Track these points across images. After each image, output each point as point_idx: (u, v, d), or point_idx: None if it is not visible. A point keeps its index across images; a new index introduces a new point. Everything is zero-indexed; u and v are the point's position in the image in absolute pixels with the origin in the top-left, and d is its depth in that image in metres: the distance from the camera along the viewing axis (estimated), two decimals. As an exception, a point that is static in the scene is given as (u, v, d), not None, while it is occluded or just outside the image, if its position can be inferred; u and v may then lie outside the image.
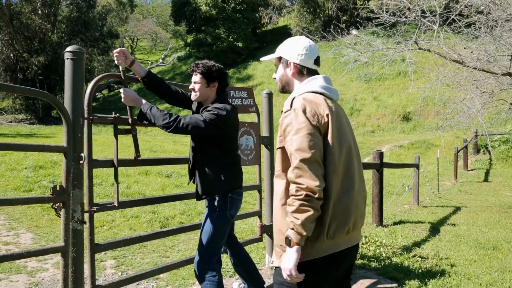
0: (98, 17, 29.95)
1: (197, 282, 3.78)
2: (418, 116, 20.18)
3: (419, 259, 4.46)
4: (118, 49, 2.81)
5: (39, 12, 26.82)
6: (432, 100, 16.99)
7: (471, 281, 3.83)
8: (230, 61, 31.85)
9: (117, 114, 2.87)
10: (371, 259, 4.41)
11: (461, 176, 12.36)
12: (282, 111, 1.85)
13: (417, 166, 8.24)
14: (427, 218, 6.81)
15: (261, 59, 2.16)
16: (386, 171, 10.08)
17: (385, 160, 7.21)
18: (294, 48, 1.95)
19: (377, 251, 4.64)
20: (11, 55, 26.51)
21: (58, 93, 24.18)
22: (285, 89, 2.00)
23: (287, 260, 1.69)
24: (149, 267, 4.09)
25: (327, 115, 1.76)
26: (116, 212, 6.34)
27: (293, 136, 1.72)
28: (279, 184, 1.83)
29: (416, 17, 6.67)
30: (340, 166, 1.76)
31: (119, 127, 2.89)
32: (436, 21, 6.64)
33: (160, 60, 39.55)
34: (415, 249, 4.92)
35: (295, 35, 29.79)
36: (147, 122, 2.76)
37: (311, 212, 1.65)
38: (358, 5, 27.33)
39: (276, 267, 1.84)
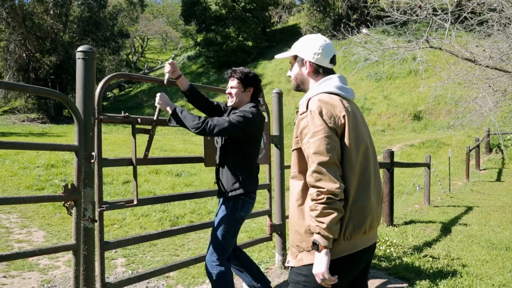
0: (109, 17, 30.20)
1: (207, 281, 3.79)
2: (429, 115, 19.99)
3: (430, 259, 4.42)
4: (170, 61, 3.07)
5: (51, 12, 27.12)
6: (443, 99, 16.83)
7: (483, 281, 3.79)
8: (239, 60, 31.89)
9: (127, 114, 2.89)
10: (382, 258, 4.38)
11: (473, 175, 12.21)
12: (297, 112, 1.84)
13: (428, 165, 8.16)
14: (438, 218, 6.75)
15: (276, 56, 2.15)
16: (396, 171, 10.02)
17: (396, 159, 7.17)
18: (310, 47, 1.92)
19: (388, 250, 4.61)
20: (24, 55, 26.86)
21: (70, 92, 24.45)
22: (300, 87, 1.98)
23: (319, 265, 1.69)
24: (159, 265, 4.11)
25: (344, 116, 1.75)
26: (126, 211, 6.39)
27: (310, 139, 1.72)
28: (295, 185, 1.84)
29: (428, 15, 6.60)
30: (357, 167, 1.76)
31: (137, 126, 2.94)
32: (448, 19, 6.57)
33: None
34: (426, 249, 4.87)
35: (305, 34, 29.64)
36: (177, 124, 2.83)
37: (335, 214, 1.66)
38: (368, 3, 27.14)
39: (291, 267, 1.85)
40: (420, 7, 6.65)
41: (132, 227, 5.88)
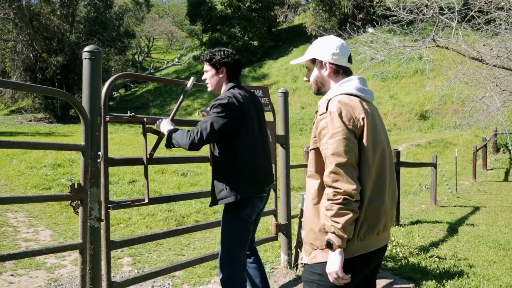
0: (115, 17, 30.31)
1: (212, 280, 3.80)
2: (436, 114, 19.88)
3: (437, 259, 4.39)
4: (201, 110, 3.01)
5: (58, 13, 27.29)
6: (450, 98, 16.72)
7: (490, 282, 3.76)
8: (245, 60, 31.87)
9: (133, 114, 2.89)
10: (388, 259, 4.37)
11: (480, 175, 12.13)
12: (316, 112, 1.86)
13: (434, 165, 8.11)
14: (444, 218, 6.71)
15: (291, 62, 2.14)
16: (403, 170, 9.98)
17: (402, 159, 7.13)
18: (327, 48, 1.93)
19: (394, 251, 4.59)
20: (31, 55, 27.06)
21: (76, 92, 24.59)
22: (321, 90, 1.98)
23: (332, 264, 1.72)
24: (164, 264, 4.12)
25: (363, 118, 1.77)
26: (132, 210, 6.42)
27: (329, 140, 1.74)
28: (312, 184, 1.86)
29: (434, 14, 6.57)
30: (373, 169, 1.78)
31: (147, 126, 2.91)
32: (455, 18, 6.53)
33: (176, 60, 39.82)
34: (433, 249, 4.85)
35: (310, 34, 29.74)
36: (176, 146, 2.67)
37: (350, 215, 1.69)
38: (374, 2, 27.02)
39: (305, 264, 1.88)
40: (426, 6, 6.62)
41: (138, 226, 5.90)
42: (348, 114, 1.76)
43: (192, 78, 2.99)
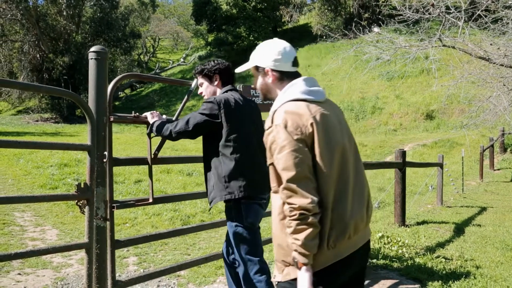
0: (120, 17, 30.43)
1: (218, 279, 3.80)
2: (442, 114, 19.77)
3: (443, 260, 4.36)
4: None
5: (64, 13, 27.45)
6: (456, 98, 16.63)
7: (497, 283, 3.73)
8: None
9: (137, 114, 2.91)
10: (394, 259, 4.35)
11: (487, 175, 12.04)
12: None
13: (441, 165, 8.07)
14: (451, 219, 6.67)
15: (236, 70, 2.07)
16: (409, 170, 9.92)
17: (408, 159, 7.09)
18: (268, 54, 1.84)
19: (400, 251, 4.57)
20: (38, 55, 27.24)
21: (82, 92, 24.70)
22: (268, 97, 1.92)
23: (301, 283, 1.65)
24: (170, 264, 4.13)
25: (311, 124, 1.68)
26: (138, 210, 6.44)
27: (278, 155, 1.67)
28: (276, 199, 1.78)
29: (440, 14, 6.53)
30: (332, 173, 1.70)
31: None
32: (461, 17, 6.49)
33: (181, 60, 39.91)
34: (439, 249, 4.82)
35: (316, 34, 29.67)
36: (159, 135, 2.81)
37: (310, 230, 1.62)
38: (380, 2, 26.92)
39: (278, 282, 1.80)
40: (432, 5, 6.58)
41: (143, 226, 5.92)
42: (294, 124, 1.67)
43: (196, 78, 3.01)
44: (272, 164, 1.75)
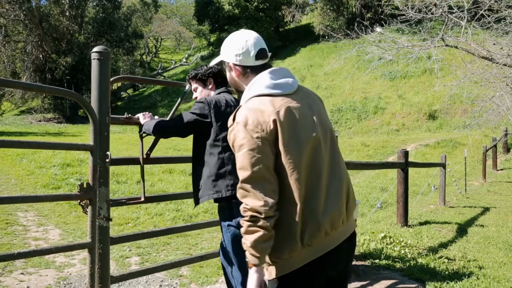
0: (123, 17, 30.51)
1: (220, 279, 3.81)
2: (445, 114, 19.72)
3: (446, 260, 4.35)
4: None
5: (67, 14, 27.55)
6: (459, 98, 16.60)
7: (500, 284, 3.72)
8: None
9: (129, 115, 2.95)
10: (396, 259, 4.34)
11: (489, 176, 12.00)
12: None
13: (443, 165, 8.05)
14: (454, 219, 6.65)
15: (210, 63, 2.11)
16: (411, 171, 9.89)
17: (410, 159, 7.07)
18: (231, 48, 1.78)
19: (402, 251, 4.56)
20: (40, 56, 27.34)
21: (85, 92, 24.77)
22: (239, 91, 1.86)
23: (250, 282, 1.63)
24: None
25: (274, 120, 1.61)
26: (140, 210, 6.45)
27: (237, 153, 1.63)
28: None
29: (443, 13, 6.51)
30: (301, 168, 1.63)
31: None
32: (464, 17, 6.47)
33: (184, 60, 39.96)
34: (442, 250, 4.81)
35: (318, 34, 29.65)
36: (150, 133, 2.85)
37: (260, 233, 1.57)
38: (382, 1, 26.90)
39: (268, 281, 1.76)
40: (435, 5, 6.57)
41: (146, 226, 5.93)
42: (255, 121, 1.61)
43: (190, 84, 3.06)
44: None
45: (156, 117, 2.96)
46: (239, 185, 1.62)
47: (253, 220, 1.57)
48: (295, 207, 1.62)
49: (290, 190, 1.62)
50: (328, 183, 1.70)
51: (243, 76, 1.79)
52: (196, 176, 2.77)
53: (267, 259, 1.68)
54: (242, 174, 1.60)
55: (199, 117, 2.67)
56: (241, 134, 1.61)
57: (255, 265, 1.62)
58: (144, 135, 2.92)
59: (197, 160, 2.78)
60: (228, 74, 1.86)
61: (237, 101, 2.83)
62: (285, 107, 1.65)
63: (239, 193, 1.62)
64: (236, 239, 2.65)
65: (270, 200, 1.58)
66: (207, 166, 2.68)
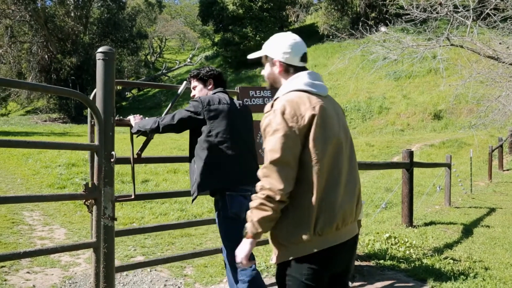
0: (127, 18, 30.62)
1: (224, 279, 3.81)
2: (450, 114, 19.62)
3: (451, 261, 4.33)
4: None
5: (72, 14, 27.69)
6: (464, 98, 16.50)
7: (507, 285, 3.70)
8: (257, 60, 31.88)
9: (120, 117, 3.03)
10: (401, 260, 4.32)
11: (495, 176, 11.93)
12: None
13: (448, 165, 8.01)
14: (459, 219, 6.62)
15: (248, 56, 2.16)
16: (416, 171, 9.86)
17: (415, 159, 7.05)
18: (279, 46, 1.92)
19: (407, 252, 4.55)
20: (46, 56, 27.49)
21: (90, 92, 24.67)
22: (273, 86, 2.00)
23: (241, 250, 1.80)
24: (176, 263, 4.15)
25: (309, 115, 1.75)
26: (145, 210, 6.47)
27: (270, 137, 1.74)
28: None
29: (448, 13, 6.48)
30: (324, 161, 1.75)
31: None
32: (470, 16, 6.44)
33: (188, 60, 40.02)
34: (447, 251, 4.78)
35: (322, 33, 29.59)
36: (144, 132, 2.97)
37: (268, 213, 1.70)
38: (387, 1, 26.83)
39: (277, 265, 1.87)
40: (440, 4, 6.53)
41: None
42: (292, 112, 1.74)
43: (184, 82, 3.16)
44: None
45: (146, 118, 3.05)
46: (265, 164, 1.73)
47: (268, 200, 1.70)
48: (314, 196, 1.73)
49: (312, 180, 1.73)
50: (346, 182, 1.83)
51: (284, 72, 1.92)
52: (192, 171, 2.90)
53: (277, 242, 1.80)
54: (272, 155, 1.71)
55: (193, 114, 2.80)
56: (277, 120, 1.73)
57: (252, 237, 1.77)
58: (136, 136, 3.00)
59: (192, 156, 2.90)
60: (268, 69, 1.98)
61: (232, 100, 2.96)
62: (320, 105, 1.80)
63: (262, 172, 1.74)
64: (227, 227, 2.81)
65: (288, 187, 1.70)
66: (200, 161, 2.80)
